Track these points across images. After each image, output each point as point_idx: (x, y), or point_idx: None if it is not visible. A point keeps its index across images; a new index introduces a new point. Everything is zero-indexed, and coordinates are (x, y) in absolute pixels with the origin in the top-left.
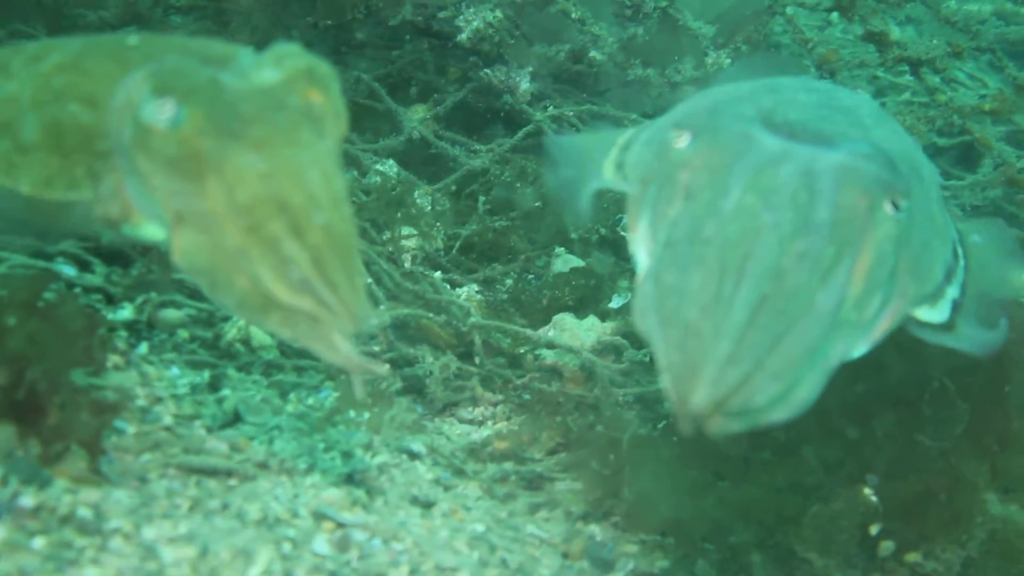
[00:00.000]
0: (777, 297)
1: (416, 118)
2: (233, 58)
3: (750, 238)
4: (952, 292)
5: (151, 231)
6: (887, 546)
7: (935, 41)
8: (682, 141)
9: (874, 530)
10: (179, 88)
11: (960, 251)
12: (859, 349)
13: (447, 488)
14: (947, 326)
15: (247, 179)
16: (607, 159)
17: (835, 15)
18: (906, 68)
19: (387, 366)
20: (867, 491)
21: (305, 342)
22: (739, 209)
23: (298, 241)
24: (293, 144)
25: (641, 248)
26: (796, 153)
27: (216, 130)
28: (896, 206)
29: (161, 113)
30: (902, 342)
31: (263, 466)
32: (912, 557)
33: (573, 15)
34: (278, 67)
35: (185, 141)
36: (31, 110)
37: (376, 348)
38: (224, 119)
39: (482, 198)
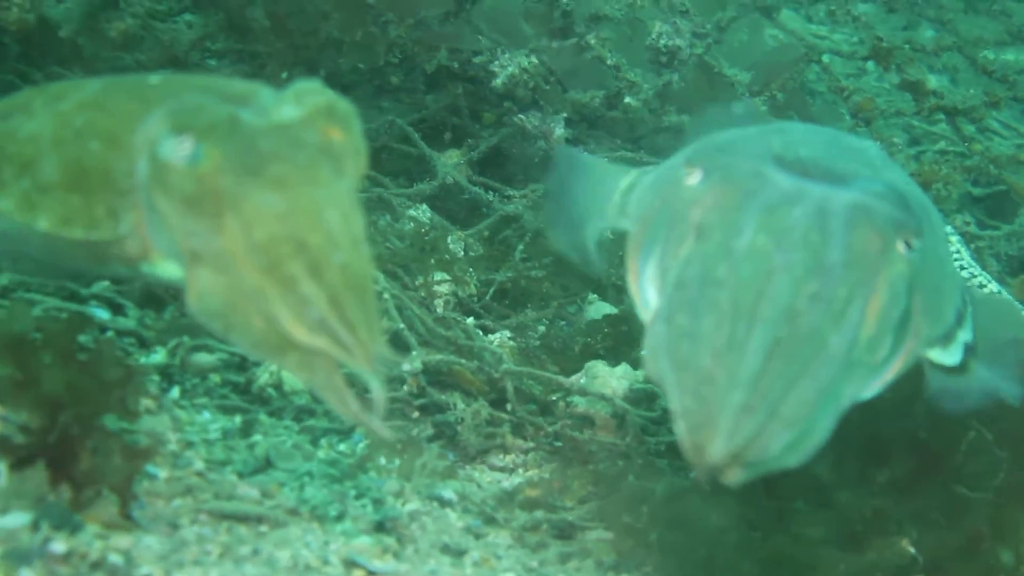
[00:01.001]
0: (790, 341)
1: (450, 163)
2: (254, 96)
3: (763, 280)
4: (964, 336)
5: (169, 270)
6: None
7: (972, 91)
8: (693, 178)
9: None
10: (197, 126)
11: (967, 297)
12: (871, 391)
13: (478, 536)
14: (960, 369)
15: (265, 218)
16: (609, 203)
17: (871, 63)
18: (942, 117)
19: (390, 432)
20: (904, 542)
21: (319, 390)
22: (751, 250)
23: (316, 281)
24: (312, 183)
25: (650, 287)
26: (808, 192)
27: (234, 168)
28: (909, 245)
29: (179, 151)
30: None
31: (294, 512)
32: None
33: (608, 61)
34: (298, 104)
35: (203, 179)
36: (52, 149)
37: (406, 393)
38: (242, 157)
39: (520, 246)
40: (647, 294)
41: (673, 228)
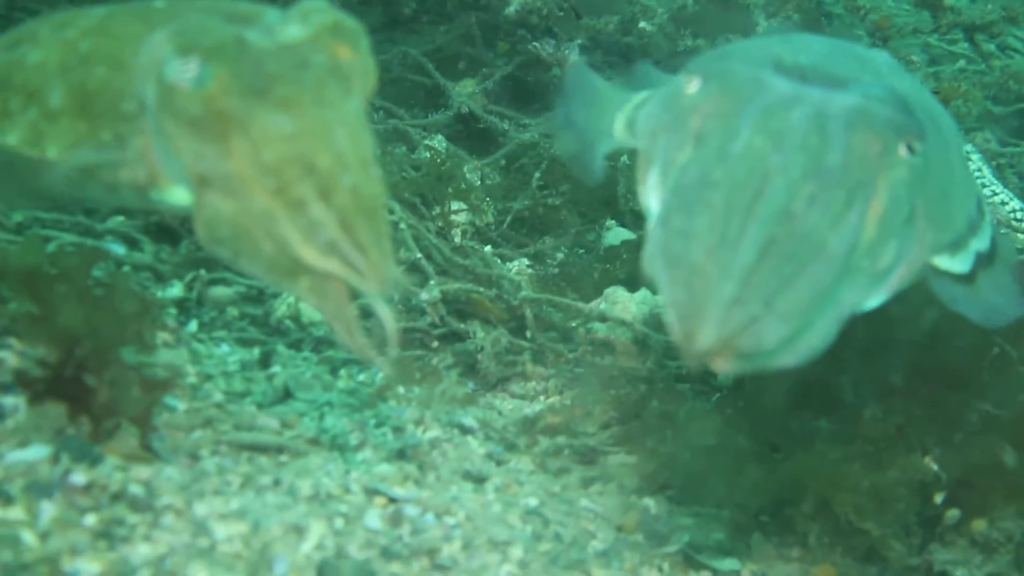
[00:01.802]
0: (786, 240)
1: (465, 92)
2: (259, 16)
3: (758, 180)
4: (977, 244)
5: (178, 195)
6: (952, 515)
7: (990, 6)
8: (692, 87)
9: (938, 499)
10: (203, 46)
11: (985, 208)
12: (875, 298)
13: (500, 463)
14: (968, 278)
15: (273, 139)
16: (619, 115)
17: None
18: (960, 35)
19: (388, 368)
20: (927, 459)
21: (329, 318)
22: (747, 151)
23: (325, 203)
24: (320, 103)
25: (652, 197)
26: (807, 96)
27: (241, 89)
28: (911, 149)
29: (185, 72)
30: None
31: (314, 442)
32: (978, 525)
33: None
34: (304, 23)
35: (210, 100)
36: (58, 76)
37: (426, 324)
38: (249, 77)
39: (536, 173)
40: (651, 204)
41: (673, 137)
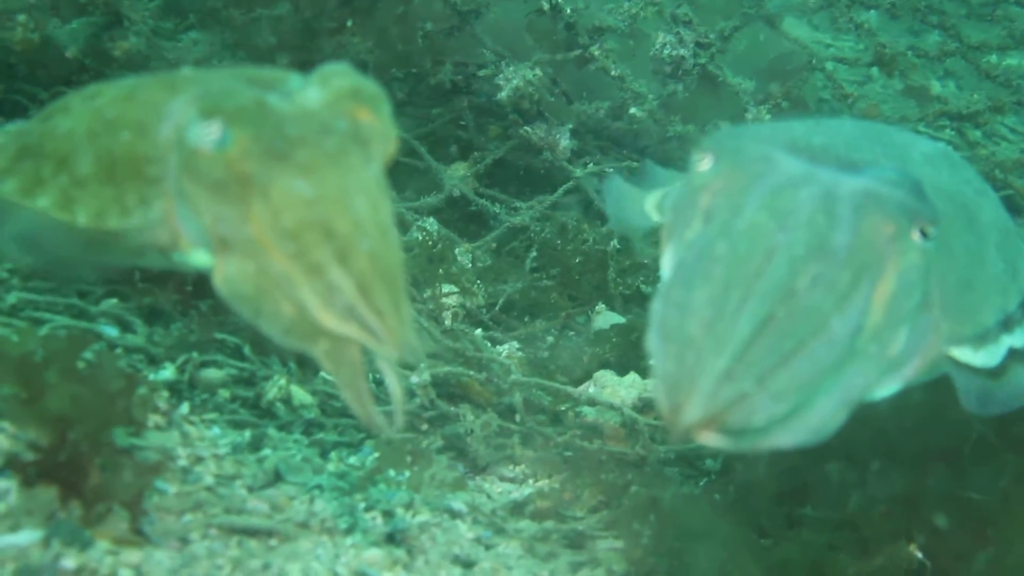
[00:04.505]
0: (785, 318)
1: (456, 176)
2: (282, 81)
3: (760, 257)
4: (1011, 340)
5: (201, 258)
6: None
7: (976, 96)
8: (704, 164)
9: None
10: (226, 110)
11: None
12: (887, 387)
13: (488, 547)
14: (995, 372)
15: (293, 204)
16: (650, 197)
17: (875, 70)
18: (947, 123)
19: (395, 435)
20: (912, 547)
21: (341, 384)
22: (751, 228)
23: (343, 268)
24: (340, 169)
25: (667, 273)
26: (817, 176)
27: (262, 153)
28: (924, 234)
29: (207, 135)
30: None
31: (304, 526)
32: None
33: (612, 72)
34: (325, 87)
35: (231, 164)
36: (86, 142)
37: (416, 405)
38: (271, 141)
39: (531, 256)
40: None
41: (685, 214)
